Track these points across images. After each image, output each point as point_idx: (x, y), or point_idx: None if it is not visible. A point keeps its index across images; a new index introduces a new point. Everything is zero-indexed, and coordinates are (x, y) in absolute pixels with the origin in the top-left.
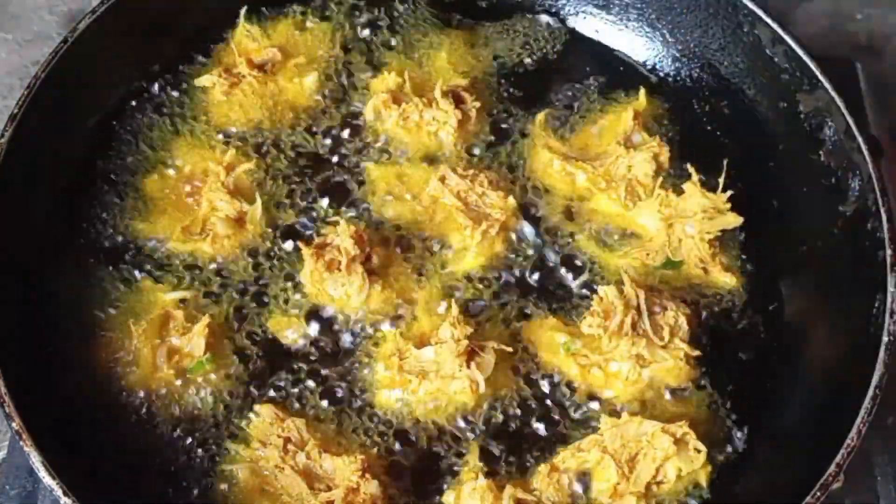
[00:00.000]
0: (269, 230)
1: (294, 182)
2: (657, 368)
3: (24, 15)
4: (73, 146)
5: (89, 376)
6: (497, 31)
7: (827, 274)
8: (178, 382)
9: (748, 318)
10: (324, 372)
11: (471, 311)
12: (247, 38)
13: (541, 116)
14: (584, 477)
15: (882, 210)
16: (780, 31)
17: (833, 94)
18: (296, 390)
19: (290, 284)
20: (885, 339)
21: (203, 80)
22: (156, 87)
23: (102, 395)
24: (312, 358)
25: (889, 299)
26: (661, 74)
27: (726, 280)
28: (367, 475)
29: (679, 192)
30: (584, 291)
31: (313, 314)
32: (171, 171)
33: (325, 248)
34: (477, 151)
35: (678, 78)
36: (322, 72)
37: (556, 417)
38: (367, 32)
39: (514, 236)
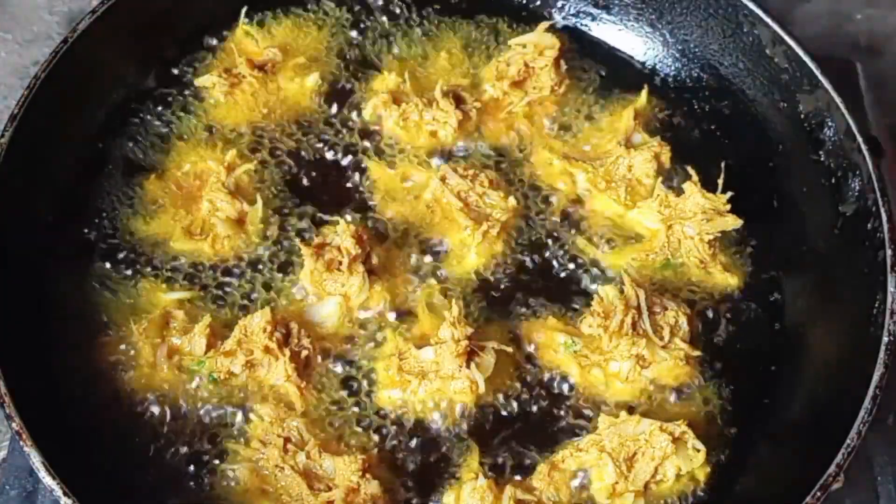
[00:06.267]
0: (270, 230)
1: (294, 182)
2: (657, 368)
3: (24, 15)
4: (73, 146)
5: (90, 376)
6: (498, 30)
7: (827, 274)
8: (179, 382)
9: (748, 318)
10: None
11: (471, 311)
12: (247, 38)
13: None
14: (584, 476)
15: (882, 210)
16: (780, 31)
17: (833, 94)
18: None
19: (290, 285)
20: (885, 339)
21: (203, 80)
22: (156, 87)
23: (103, 395)
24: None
25: (889, 299)
26: (662, 74)
27: (726, 280)
28: (367, 475)
29: (679, 192)
30: (585, 291)
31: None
32: (171, 172)
33: (324, 247)
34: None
35: (678, 78)
36: (322, 72)
37: (556, 417)
38: (367, 32)
39: (514, 236)
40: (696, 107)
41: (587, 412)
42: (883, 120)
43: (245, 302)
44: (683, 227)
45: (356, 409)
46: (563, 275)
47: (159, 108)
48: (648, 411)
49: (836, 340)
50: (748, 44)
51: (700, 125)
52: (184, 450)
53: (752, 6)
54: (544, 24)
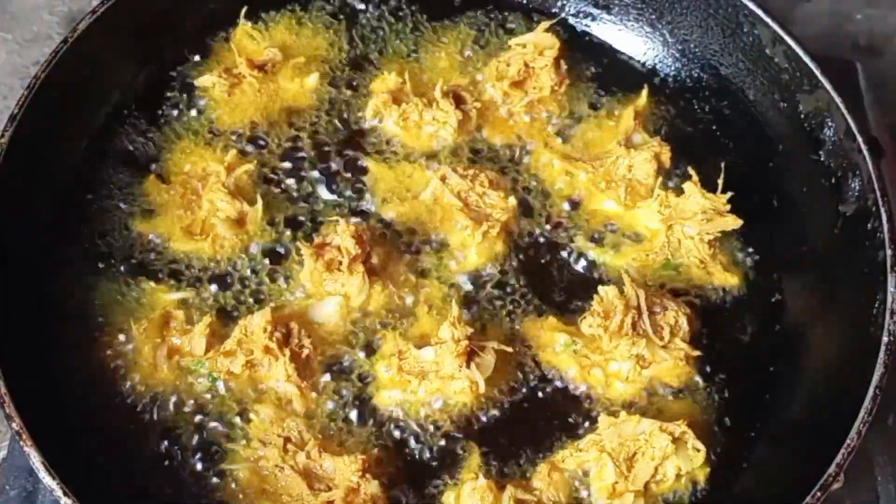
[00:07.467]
0: (270, 230)
1: (294, 182)
2: (657, 368)
3: (24, 15)
4: (74, 146)
5: (89, 376)
6: (498, 30)
7: (827, 274)
8: (179, 382)
9: (748, 318)
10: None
11: (471, 311)
12: (247, 38)
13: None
14: (584, 476)
15: (882, 210)
16: (780, 31)
17: (833, 94)
18: None
19: (290, 285)
20: (885, 339)
21: (203, 80)
22: (156, 87)
23: (102, 395)
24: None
25: (889, 299)
26: (662, 74)
27: (726, 280)
28: (367, 475)
29: (679, 192)
30: (585, 291)
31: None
32: (171, 172)
33: (324, 247)
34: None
35: (678, 78)
36: (322, 72)
37: (556, 417)
38: (367, 32)
39: (514, 236)
40: (696, 107)
41: (587, 412)
42: (883, 120)
43: (245, 302)
44: (683, 227)
45: (356, 409)
46: (563, 275)
47: (159, 108)
48: (648, 411)
49: (836, 340)
50: (748, 44)
51: (700, 125)
52: (184, 450)
53: (752, 6)
54: (544, 24)
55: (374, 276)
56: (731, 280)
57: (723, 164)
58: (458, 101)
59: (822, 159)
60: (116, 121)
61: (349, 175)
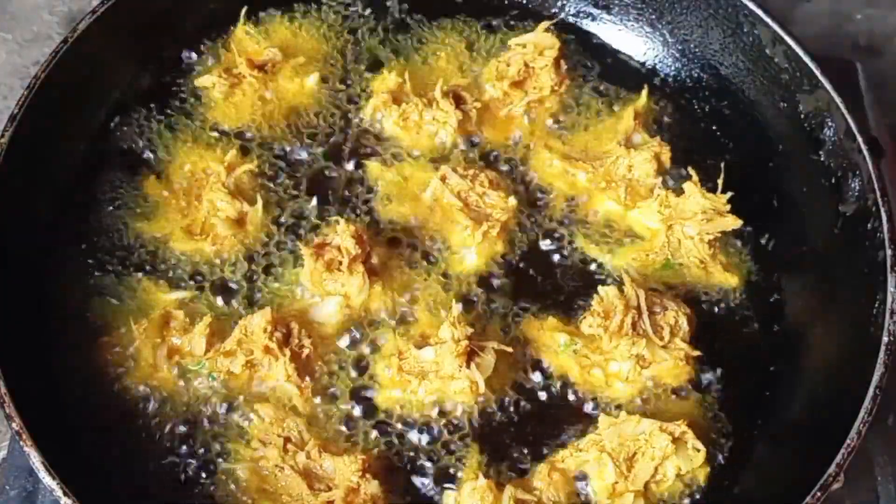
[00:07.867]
0: (270, 230)
1: (294, 182)
2: (657, 368)
3: (24, 15)
4: (74, 146)
5: (90, 376)
6: (498, 30)
7: (827, 274)
8: (179, 382)
9: (748, 318)
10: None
11: (471, 311)
12: (247, 38)
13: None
14: (584, 476)
15: (882, 210)
16: (780, 31)
17: (833, 94)
18: None
19: (290, 285)
20: (885, 339)
21: (203, 81)
22: (156, 87)
23: (103, 395)
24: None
25: (889, 299)
26: (662, 74)
27: (726, 280)
28: (367, 475)
29: (679, 192)
30: (585, 291)
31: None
32: (171, 172)
33: (324, 247)
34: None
35: (678, 78)
36: (322, 72)
37: (556, 417)
38: (367, 32)
39: (514, 236)
40: (696, 107)
41: (587, 412)
42: (883, 120)
43: (245, 302)
44: (683, 227)
45: (356, 409)
46: (563, 275)
47: (159, 108)
48: (648, 411)
49: (836, 340)
50: (748, 44)
51: (700, 125)
52: (184, 450)
53: (752, 6)
54: (544, 24)
55: (374, 276)
56: (731, 280)
57: (723, 164)
58: (458, 101)
59: (822, 159)
60: (116, 121)
61: (349, 175)
